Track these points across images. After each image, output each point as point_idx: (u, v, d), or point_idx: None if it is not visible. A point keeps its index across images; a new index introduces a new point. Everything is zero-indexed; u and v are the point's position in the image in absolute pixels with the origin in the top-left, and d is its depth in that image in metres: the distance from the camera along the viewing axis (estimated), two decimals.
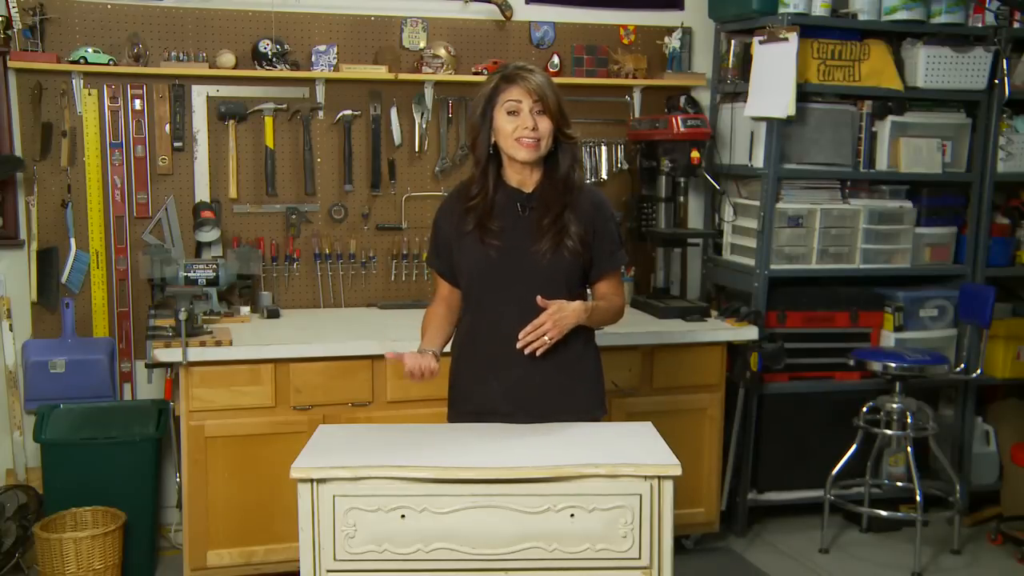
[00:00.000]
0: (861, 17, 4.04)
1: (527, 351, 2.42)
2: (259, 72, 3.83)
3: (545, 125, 2.46)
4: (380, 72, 3.92)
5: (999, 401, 4.53)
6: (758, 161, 4.04)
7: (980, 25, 4.12)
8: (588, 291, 2.62)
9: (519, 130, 2.44)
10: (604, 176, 4.31)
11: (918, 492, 3.77)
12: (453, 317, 2.64)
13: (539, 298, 2.40)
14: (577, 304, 2.45)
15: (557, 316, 2.41)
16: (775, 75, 3.89)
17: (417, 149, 4.08)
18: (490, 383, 2.53)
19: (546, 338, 2.41)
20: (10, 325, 3.75)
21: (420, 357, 2.48)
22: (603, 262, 2.57)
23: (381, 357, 3.39)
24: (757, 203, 4.05)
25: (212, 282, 3.65)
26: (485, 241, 2.50)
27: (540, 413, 2.50)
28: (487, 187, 2.53)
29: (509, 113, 2.45)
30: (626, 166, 4.34)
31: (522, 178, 2.54)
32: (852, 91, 4.07)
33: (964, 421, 4.37)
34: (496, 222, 2.51)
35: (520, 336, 2.42)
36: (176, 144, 3.85)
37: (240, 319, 3.72)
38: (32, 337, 3.78)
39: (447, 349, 2.65)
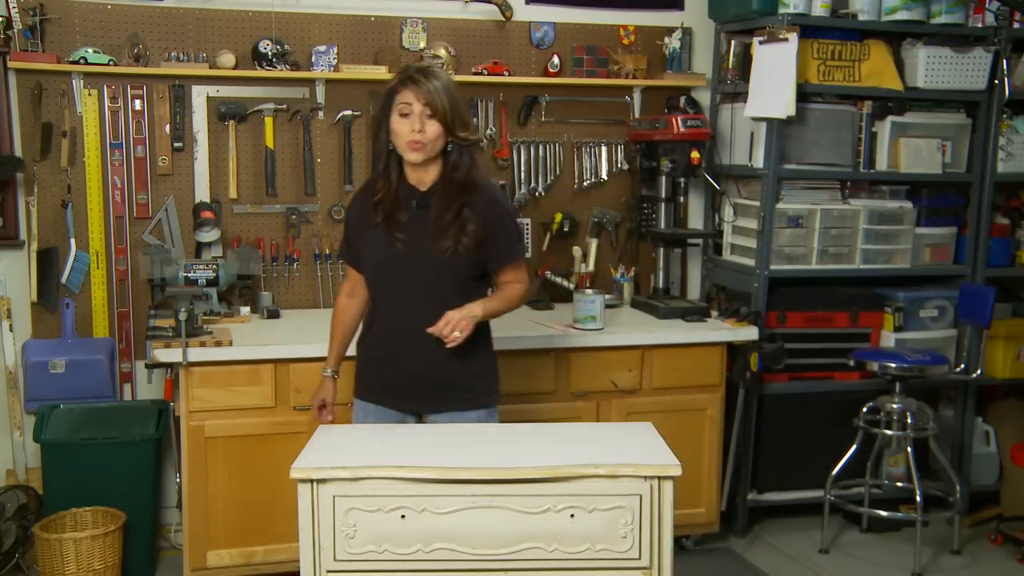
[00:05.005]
0: (861, 17, 4.04)
1: (447, 346, 2.58)
2: (259, 72, 3.83)
3: (433, 129, 2.56)
4: (380, 72, 3.92)
5: (999, 401, 4.53)
6: (758, 161, 4.04)
7: (980, 25, 4.12)
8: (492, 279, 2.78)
9: (408, 132, 2.56)
10: (604, 176, 4.32)
11: (918, 492, 3.77)
12: (360, 307, 2.85)
13: (428, 330, 2.57)
14: (466, 309, 2.60)
15: (448, 330, 2.56)
16: (775, 75, 3.89)
17: None
18: (386, 366, 2.72)
19: (456, 333, 2.57)
20: (10, 325, 3.75)
21: (316, 398, 2.88)
22: (500, 256, 2.71)
23: None
24: (757, 203, 4.05)
25: (212, 282, 3.65)
26: (391, 234, 2.65)
27: (429, 398, 2.70)
28: (390, 182, 2.67)
29: (402, 115, 2.57)
30: (626, 166, 4.34)
31: (418, 176, 2.67)
32: (852, 91, 4.07)
33: (964, 421, 4.37)
34: (400, 216, 2.66)
35: (436, 332, 2.58)
36: (176, 144, 3.85)
37: (240, 319, 3.72)
38: (32, 337, 3.78)
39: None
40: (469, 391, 2.71)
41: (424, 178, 2.66)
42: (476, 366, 2.72)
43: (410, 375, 2.70)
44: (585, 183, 4.30)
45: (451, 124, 2.58)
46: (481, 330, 2.70)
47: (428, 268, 2.63)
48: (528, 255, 4.23)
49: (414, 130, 2.55)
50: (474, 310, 2.61)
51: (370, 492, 2.09)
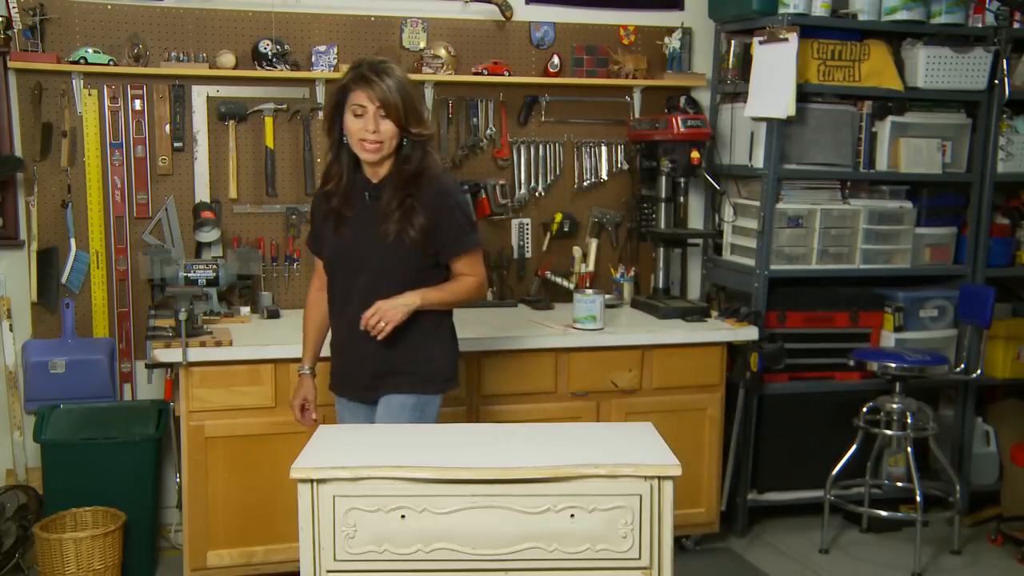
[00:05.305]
0: (861, 17, 4.04)
1: (376, 336, 2.62)
2: (259, 72, 3.83)
3: (388, 128, 2.60)
4: None
5: (999, 401, 4.53)
6: (758, 161, 4.04)
7: (980, 25, 4.12)
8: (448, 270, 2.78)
9: (362, 132, 2.59)
10: (604, 176, 4.32)
11: (918, 492, 3.77)
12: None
13: (362, 319, 2.62)
14: (401, 298, 2.64)
15: (373, 321, 2.61)
16: (775, 75, 3.89)
17: None
18: (342, 357, 2.83)
19: (382, 324, 2.61)
20: (10, 325, 3.75)
21: (296, 397, 2.94)
22: (450, 247, 2.71)
23: None
24: (757, 203, 4.05)
25: (212, 282, 3.65)
26: (339, 226, 2.72)
27: (370, 386, 2.75)
28: (341, 174, 2.72)
29: (356, 115, 2.60)
30: (626, 166, 4.34)
31: (372, 169, 2.70)
32: (852, 91, 4.07)
33: (964, 421, 4.37)
34: (350, 208, 2.71)
35: (362, 323, 2.63)
36: (176, 144, 3.85)
37: (240, 319, 3.72)
38: (32, 337, 3.78)
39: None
40: (412, 375, 2.72)
41: (378, 171, 2.70)
42: (419, 353, 2.73)
43: (359, 363, 2.75)
44: (585, 183, 4.30)
45: (405, 122, 2.61)
46: (428, 317, 2.71)
47: (374, 257, 2.67)
48: (530, 254, 4.24)
49: (368, 130, 2.59)
50: (410, 299, 2.64)
51: (370, 492, 2.09)
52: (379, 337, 2.62)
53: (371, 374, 2.74)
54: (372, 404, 2.78)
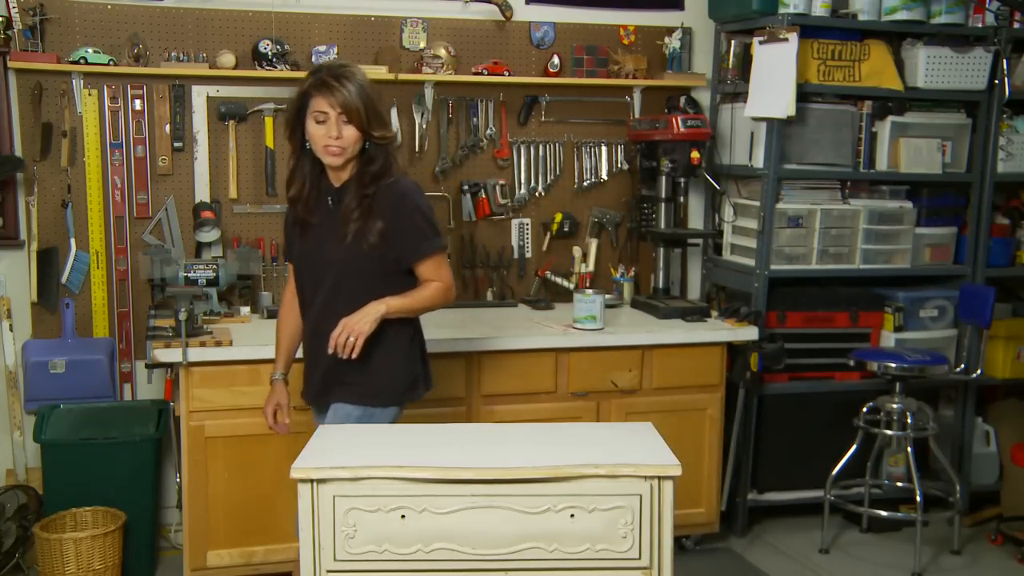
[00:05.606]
0: (861, 17, 4.04)
1: (351, 356, 2.58)
2: (259, 72, 3.83)
3: (350, 133, 2.59)
4: (380, 72, 3.92)
5: (999, 401, 4.53)
6: (758, 161, 4.04)
7: (980, 25, 4.12)
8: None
9: (325, 138, 2.59)
10: (604, 176, 4.32)
11: (918, 492, 3.77)
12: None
13: (331, 340, 2.58)
14: (367, 309, 2.59)
15: (342, 337, 2.57)
16: (775, 75, 3.89)
17: (417, 149, 4.08)
18: (306, 365, 2.82)
19: (351, 339, 2.57)
20: (10, 325, 3.75)
21: (268, 403, 2.87)
22: (410, 253, 2.67)
23: None
24: (757, 203, 4.05)
25: (212, 282, 3.65)
26: (305, 232, 2.73)
27: (321, 390, 2.74)
28: (304, 180, 2.71)
29: (318, 122, 2.59)
30: (626, 166, 4.34)
31: (336, 173, 2.69)
32: (852, 91, 4.07)
33: (964, 421, 4.37)
34: (315, 215, 2.71)
35: (330, 346, 2.59)
36: (176, 144, 3.85)
37: (240, 319, 3.72)
38: (32, 337, 3.78)
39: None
40: (359, 386, 2.68)
41: (341, 175, 2.69)
42: (369, 362, 2.65)
43: (315, 368, 2.75)
44: (585, 183, 4.30)
45: (367, 126, 2.59)
46: (386, 325, 2.64)
47: (337, 262, 2.66)
48: (530, 254, 4.24)
49: (331, 136, 2.58)
50: (375, 308, 2.60)
51: (370, 492, 2.09)
52: (354, 355, 2.57)
53: (322, 379, 2.73)
54: (326, 410, 2.75)
